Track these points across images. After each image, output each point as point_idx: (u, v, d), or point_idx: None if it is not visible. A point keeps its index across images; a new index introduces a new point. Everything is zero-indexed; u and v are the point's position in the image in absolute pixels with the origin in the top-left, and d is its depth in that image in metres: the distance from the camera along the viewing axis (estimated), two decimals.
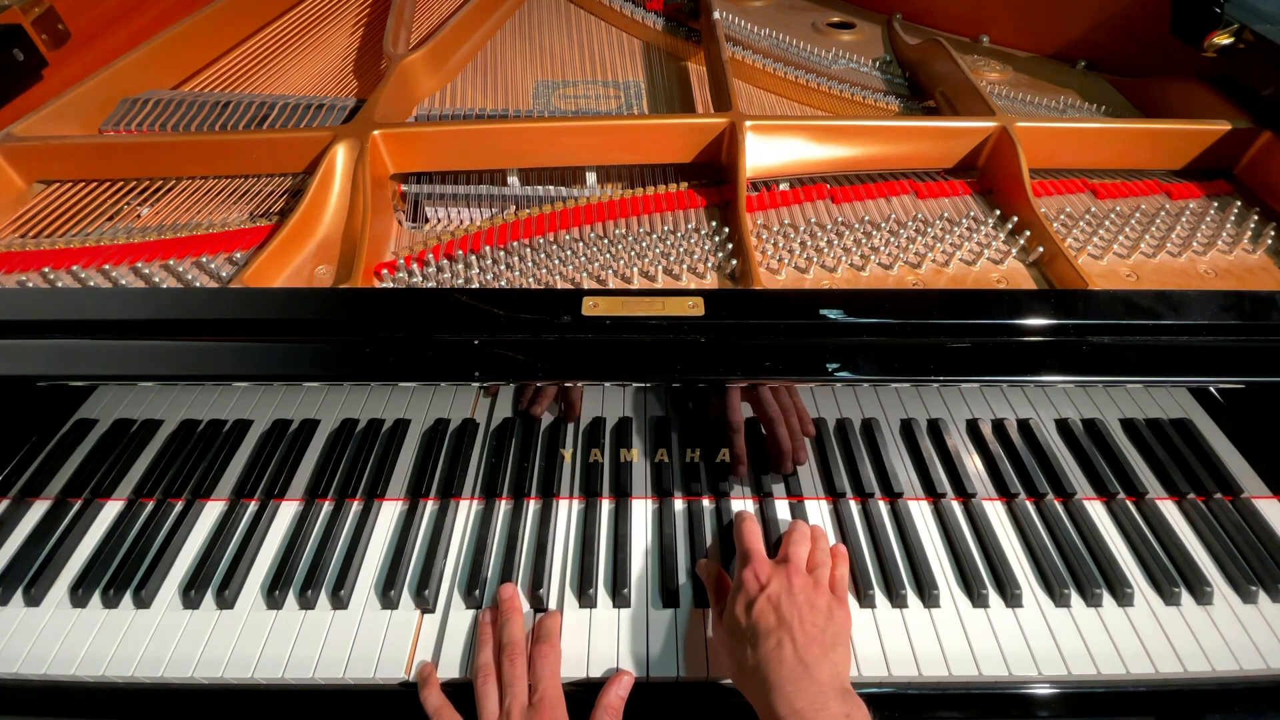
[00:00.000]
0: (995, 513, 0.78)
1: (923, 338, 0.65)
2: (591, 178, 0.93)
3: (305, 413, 0.72)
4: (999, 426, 0.75)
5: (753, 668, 0.57)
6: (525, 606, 0.70)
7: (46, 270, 0.77)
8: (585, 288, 0.74)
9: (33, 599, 0.70)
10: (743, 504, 0.79)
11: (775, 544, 0.75)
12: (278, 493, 0.78)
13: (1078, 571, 0.71)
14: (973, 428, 0.75)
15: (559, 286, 0.76)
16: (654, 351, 0.64)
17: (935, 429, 0.75)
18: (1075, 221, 0.86)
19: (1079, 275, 0.73)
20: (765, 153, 0.90)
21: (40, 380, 0.64)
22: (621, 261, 0.79)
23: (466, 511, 0.79)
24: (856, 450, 0.76)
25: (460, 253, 0.81)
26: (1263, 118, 0.92)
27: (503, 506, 0.79)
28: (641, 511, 0.79)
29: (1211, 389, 0.69)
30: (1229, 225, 0.85)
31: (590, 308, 0.65)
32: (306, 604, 0.70)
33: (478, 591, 0.71)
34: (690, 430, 0.73)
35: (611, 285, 0.77)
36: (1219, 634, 0.68)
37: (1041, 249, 0.79)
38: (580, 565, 0.73)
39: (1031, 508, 0.78)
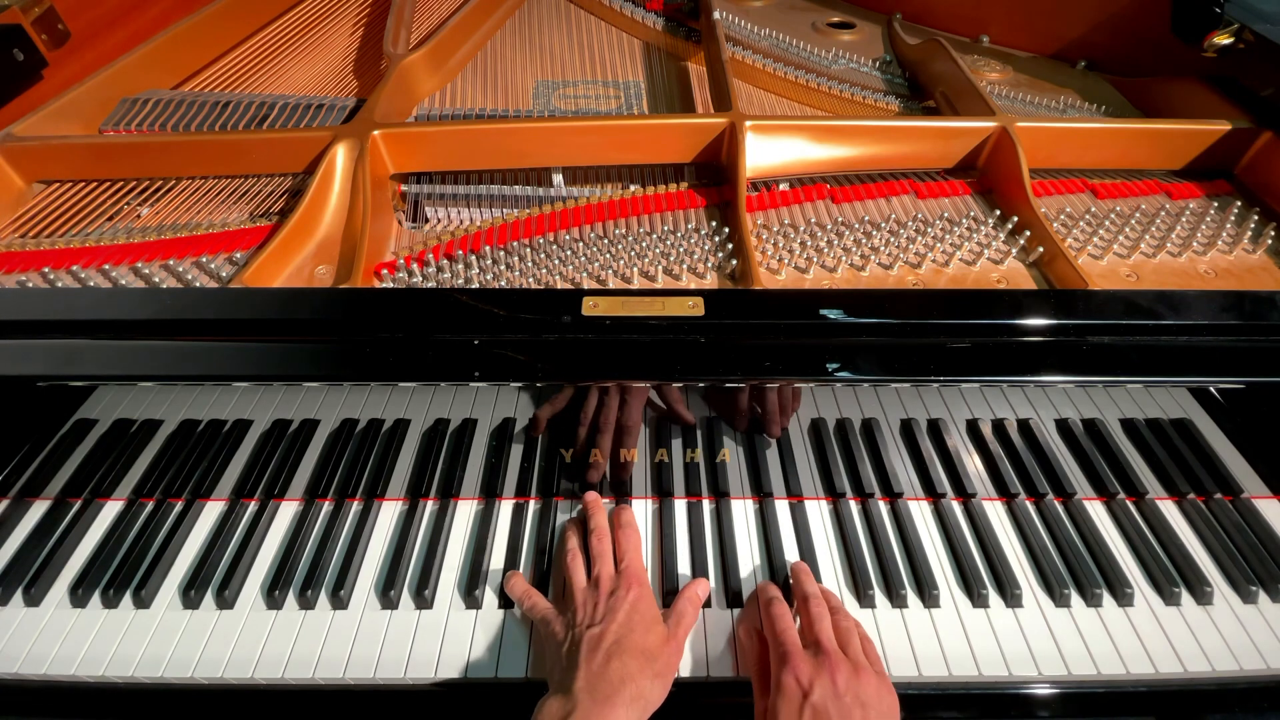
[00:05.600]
0: (995, 513, 0.78)
1: (923, 338, 0.65)
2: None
3: (305, 413, 0.72)
4: (999, 426, 0.75)
5: None
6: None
7: (46, 270, 0.77)
8: (585, 288, 0.74)
9: (32, 599, 0.70)
10: (743, 504, 0.79)
11: (774, 550, 0.75)
12: (278, 493, 0.78)
13: (1078, 571, 0.71)
14: (973, 428, 0.75)
15: (559, 286, 0.76)
16: (654, 351, 0.63)
17: (935, 429, 0.75)
18: (1075, 221, 0.86)
19: (1079, 275, 0.73)
20: (765, 153, 0.90)
21: (40, 380, 0.64)
22: (621, 261, 0.79)
23: (467, 512, 0.79)
24: (856, 450, 0.76)
25: (460, 253, 0.81)
26: (1263, 118, 0.92)
27: (503, 506, 0.79)
28: (641, 512, 0.79)
29: (1211, 389, 0.69)
30: (1229, 225, 0.85)
31: (590, 308, 0.65)
32: (306, 604, 0.70)
33: (477, 591, 0.71)
34: (692, 430, 0.73)
35: (611, 285, 0.77)
36: (1219, 634, 0.68)
37: (1041, 249, 0.79)
38: None
39: (1031, 508, 0.78)
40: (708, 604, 0.70)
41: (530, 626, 0.68)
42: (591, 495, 0.77)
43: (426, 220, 0.90)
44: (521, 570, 0.73)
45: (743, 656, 0.66)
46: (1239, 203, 0.88)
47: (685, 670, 0.65)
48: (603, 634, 0.60)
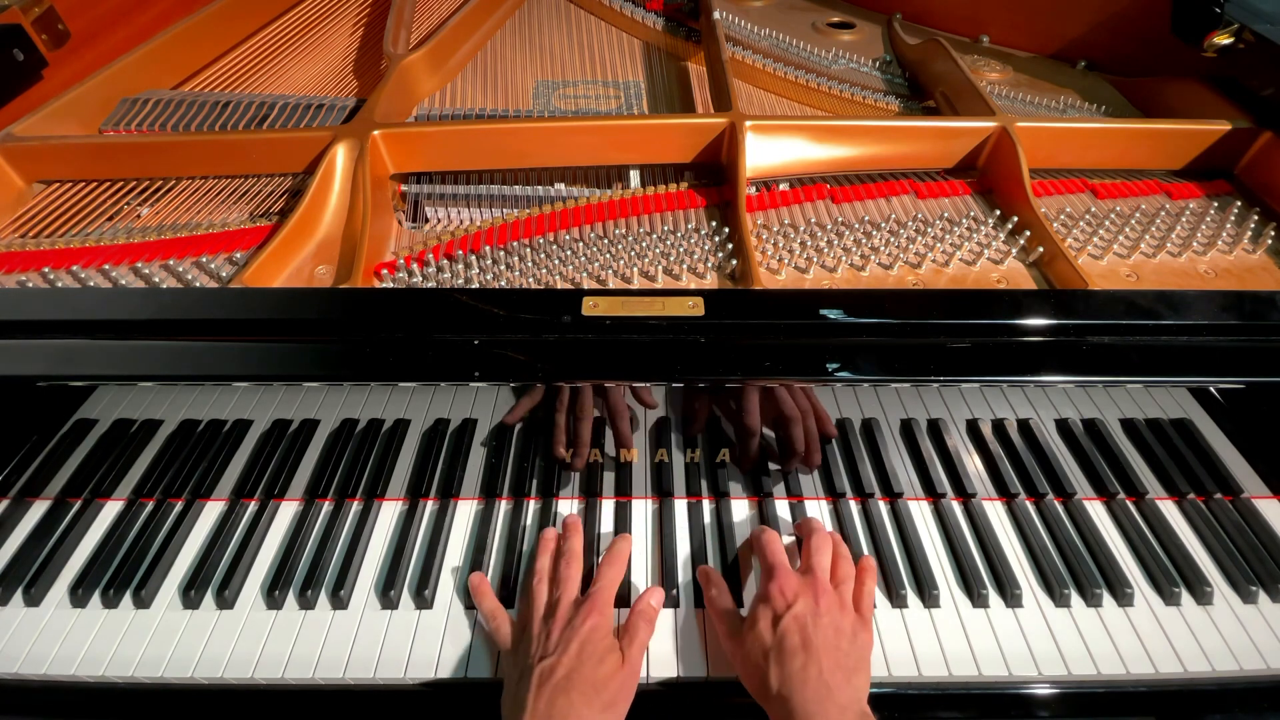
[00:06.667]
0: (995, 513, 0.78)
1: (923, 338, 0.65)
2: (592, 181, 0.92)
3: (305, 413, 0.72)
4: (999, 426, 0.75)
5: (776, 686, 0.57)
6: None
7: (46, 270, 0.77)
8: (585, 288, 0.74)
9: (32, 599, 0.70)
10: (743, 504, 0.79)
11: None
12: (278, 493, 0.78)
13: (1078, 571, 0.71)
14: (973, 428, 0.75)
15: (559, 286, 0.76)
16: (654, 351, 0.63)
17: (935, 429, 0.75)
18: (1075, 221, 0.86)
19: (1079, 275, 0.73)
20: (765, 153, 0.90)
21: (40, 380, 0.64)
22: (621, 261, 0.79)
23: (467, 512, 0.79)
24: (856, 450, 0.76)
25: (460, 253, 0.81)
26: (1263, 118, 0.92)
27: (503, 506, 0.79)
28: (641, 511, 0.79)
29: (1211, 389, 0.69)
30: (1229, 225, 0.85)
31: (590, 308, 0.65)
32: (306, 604, 0.70)
33: None
34: (691, 430, 0.73)
35: (611, 285, 0.77)
36: (1219, 634, 0.68)
37: (1041, 249, 0.79)
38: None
39: (1031, 508, 0.78)
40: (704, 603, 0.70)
41: None
42: (571, 518, 0.74)
43: (426, 220, 0.90)
44: (521, 572, 0.73)
45: (706, 591, 0.68)
46: (1239, 203, 0.88)
47: (685, 670, 0.65)
48: (553, 667, 0.58)
